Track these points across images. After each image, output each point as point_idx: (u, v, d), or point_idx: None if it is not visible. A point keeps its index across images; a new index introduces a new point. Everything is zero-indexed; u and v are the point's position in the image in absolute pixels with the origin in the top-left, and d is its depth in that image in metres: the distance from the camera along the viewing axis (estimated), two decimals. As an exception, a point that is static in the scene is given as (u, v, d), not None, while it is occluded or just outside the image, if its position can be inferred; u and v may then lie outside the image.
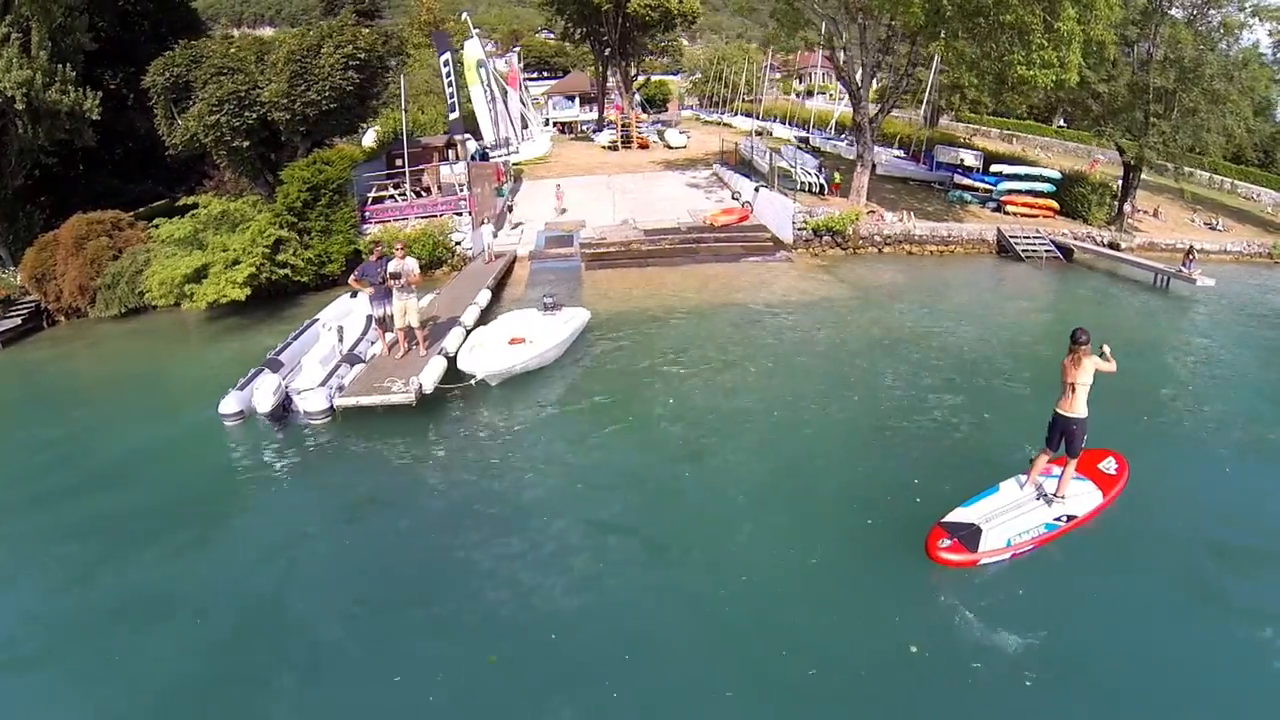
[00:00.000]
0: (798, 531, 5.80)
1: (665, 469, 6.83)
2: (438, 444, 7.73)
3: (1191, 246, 18.64)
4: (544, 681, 4.30)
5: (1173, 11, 21.87)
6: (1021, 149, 34.78)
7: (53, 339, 16.34)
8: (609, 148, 28.74)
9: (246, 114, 15.56)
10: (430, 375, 8.55)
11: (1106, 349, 5.77)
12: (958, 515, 5.92)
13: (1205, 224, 27.50)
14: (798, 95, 38.40)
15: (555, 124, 38.28)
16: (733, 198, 19.74)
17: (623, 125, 28.89)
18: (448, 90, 16.60)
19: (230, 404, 8.37)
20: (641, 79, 39.81)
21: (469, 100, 25.78)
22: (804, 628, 4.76)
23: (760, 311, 11.73)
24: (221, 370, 8.99)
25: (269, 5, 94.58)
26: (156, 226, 15.99)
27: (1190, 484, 6.83)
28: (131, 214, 18.03)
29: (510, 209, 17.87)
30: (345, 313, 11.53)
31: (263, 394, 8.45)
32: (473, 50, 25.78)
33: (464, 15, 27.02)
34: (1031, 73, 15.48)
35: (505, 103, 28.35)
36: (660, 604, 5.02)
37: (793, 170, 19.45)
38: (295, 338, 10.54)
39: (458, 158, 19.15)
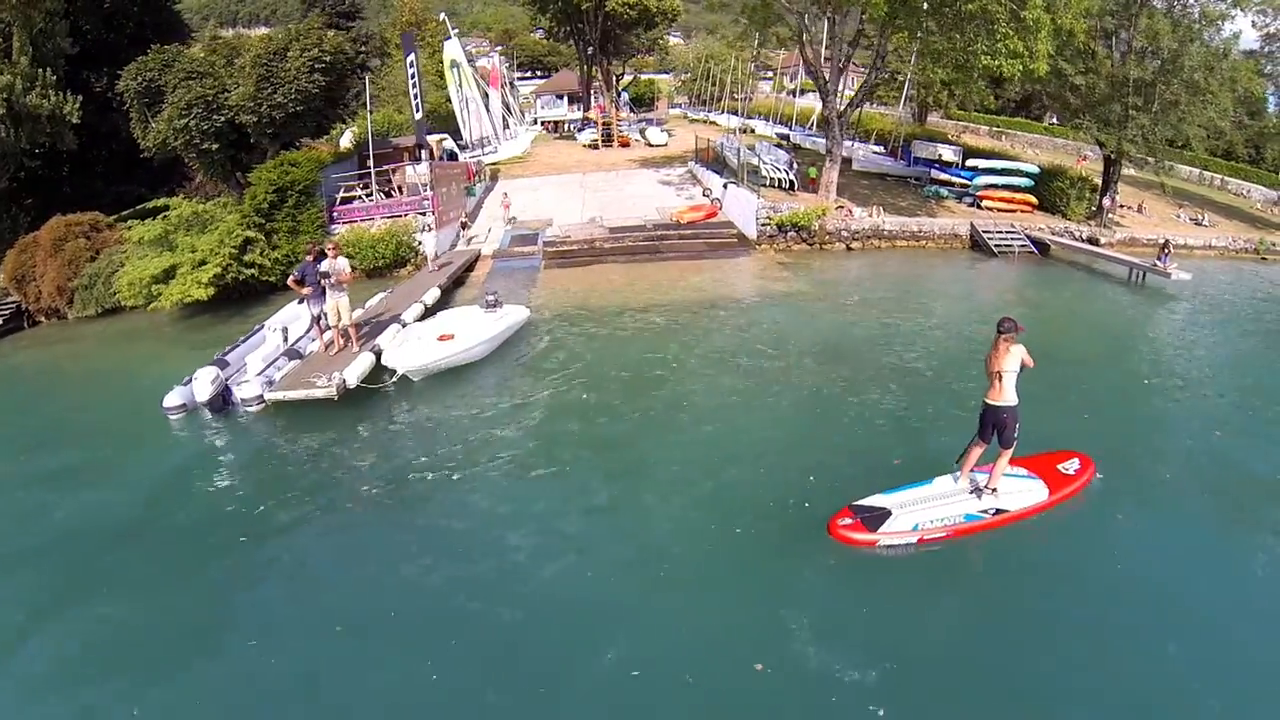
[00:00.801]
0: (713, 523, 5.85)
1: (577, 463, 6.98)
2: (354, 435, 7.99)
3: (1167, 240, 18.51)
4: (415, 653, 4.47)
5: (1153, 1, 21.66)
6: (1010, 145, 34.61)
7: (33, 338, 16.86)
8: (590, 146, 28.97)
9: (214, 117, 15.96)
10: (355, 371, 8.82)
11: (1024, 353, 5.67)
12: (875, 500, 5.90)
13: (1190, 219, 27.32)
14: (789, 93, 38.36)
15: (543, 123, 38.51)
16: (704, 195, 19.87)
17: (603, 124, 29.06)
18: (412, 91, 16.84)
19: (173, 398, 8.80)
20: (628, 78, 40.06)
21: (448, 100, 26.15)
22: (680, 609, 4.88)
23: (710, 307, 11.91)
24: (186, 368, 9.32)
25: (264, 5, 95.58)
26: (130, 228, 16.40)
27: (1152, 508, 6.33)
28: (115, 216, 18.49)
29: (464, 224, 17.80)
30: (294, 317, 11.85)
31: (201, 384, 8.84)
32: (452, 50, 26.10)
33: (442, 16, 27.31)
34: (997, 62, 15.41)
35: (486, 102, 28.67)
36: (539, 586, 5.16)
37: (761, 166, 19.50)
38: (245, 339, 10.90)
39: (433, 156, 19.46)
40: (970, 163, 22.19)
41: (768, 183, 19.36)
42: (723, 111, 36.94)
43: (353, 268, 10.07)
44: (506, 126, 32.95)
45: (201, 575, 5.58)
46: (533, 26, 35.33)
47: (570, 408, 8.26)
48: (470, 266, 15.81)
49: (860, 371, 9.00)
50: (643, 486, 6.50)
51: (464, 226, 14.86)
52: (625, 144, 29.28)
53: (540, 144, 31.34)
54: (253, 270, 15.78)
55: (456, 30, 26.76)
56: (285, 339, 10.70)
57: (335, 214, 17.23)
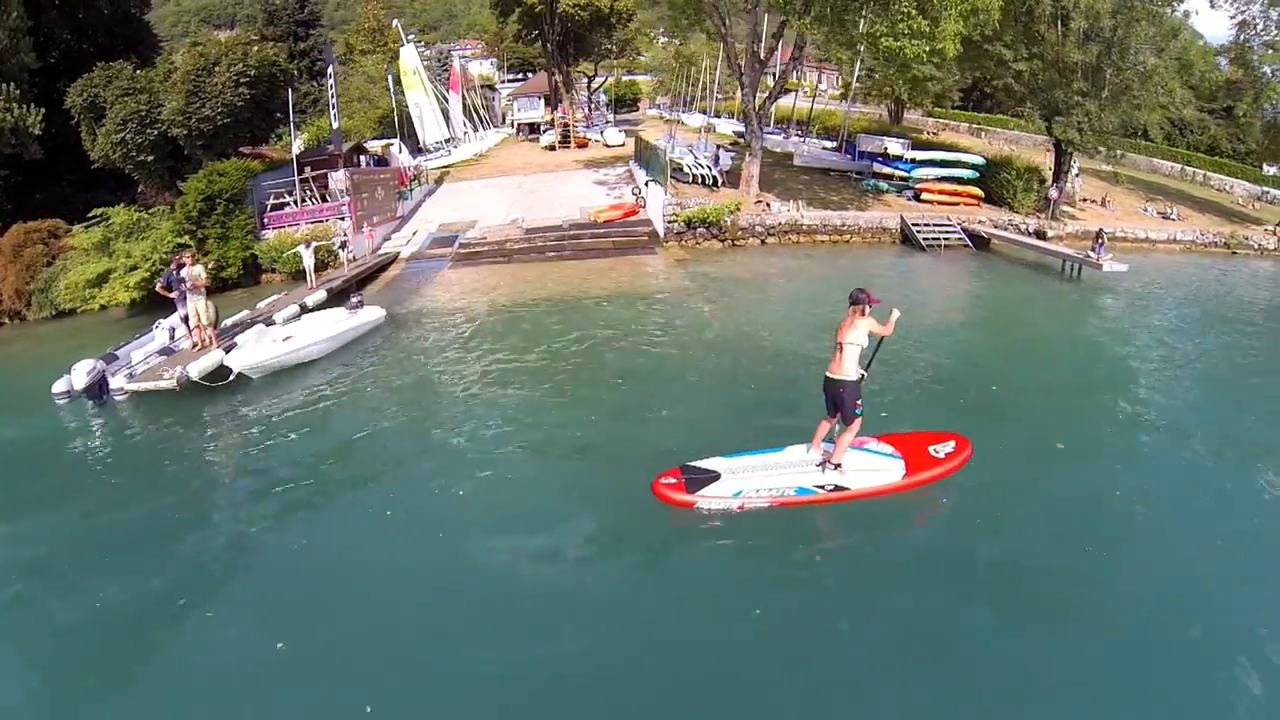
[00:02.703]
0: (531, 520, 6.00)
1: (410, 452, 7.44)
2: (194, 420, 8.91)
3: (1100, 230, 18.35)
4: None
5: None
6: (989, 142, 34.31)
7: (-8, 338, 18.25)
8: (549, 148, 29.76)
9: (148, 131, 17.21)
10: (198, 366, 9.73)
11: (896, 314, 5.66)
12: (709, 462, 5.85)
13: (1159, 213, 26.90)
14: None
15: (519, 125, 39.48)
16: (632, 193, 20.44)
17: (560, 125, 29.85)
18: (331, 103, 17.84)
19: (60, 385, 10.00)
20: (605, 79, 40.79)
21: (404, 105, 27.26)
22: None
23: (584, 304, 12.51)
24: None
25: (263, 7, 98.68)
26: (74, 235, 17.75)
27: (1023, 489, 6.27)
28: (82, 223, 19.88)
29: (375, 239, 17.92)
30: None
31: (78, 375, 9.90)
32: (408, 57, 27.22)
33: (396, 23, 28.45)
34: (899, 44, 15.36)
35: (446, 106, 29.75)
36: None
37: (683, 163, 19.96)
38: (139, 336, 11.94)
39: (381, 160, 20.51)
40: (909, 155, 22.18)
41: (690, 179, 19.82)
42: (693, 111, 37.39)
43: (206, 273, 10.98)
44: (478, 129, 34.08)
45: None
46: (501, 30, 36.15)
47: (394, 399, 8.96)
48: (383, 268, 16.69)
49: (721, 367, 9.37)
50: (432, 470, 6.95)
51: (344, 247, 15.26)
52: (583, 145, 30.03)
53: (504, 146, 32.30)
54: (183, 274, 16.90)
55: (413, 36, 27.88)
56: (172, 337, 11.68)
57: (266, 220, 18.32)
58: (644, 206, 19.24)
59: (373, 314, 11.46)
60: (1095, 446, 7.28)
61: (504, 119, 41.59)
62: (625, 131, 31.11)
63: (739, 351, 9.88)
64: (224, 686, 4.32)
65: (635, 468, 6.18)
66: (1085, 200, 27.06)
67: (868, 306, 5.55)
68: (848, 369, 5.53)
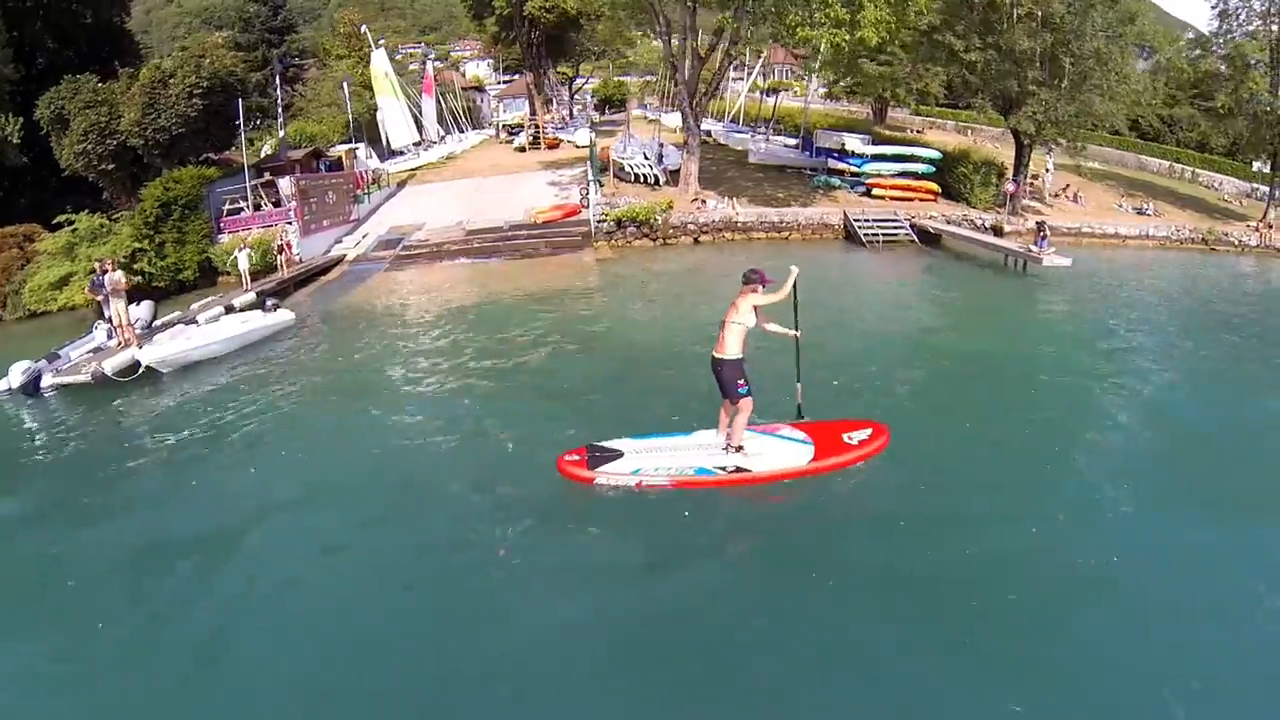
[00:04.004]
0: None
1: (303, 433, 8.33)
2: (109, 411, 9.89)
3: (1041, 223, 18.66)
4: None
5: None
6: (975, 141, 34.50)
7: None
8: (520, 149, 30.70)
9: (108, 141, 18.50)
10: (113, 362, 10.76)
11: (795, 270, 5.84)
12: (617, 442, 6.14)
13: (1135, 209, 26.88)
14: (760, 92, 39.31)
15: (505, 126, 40.58)
16: (580, 194, 21.26)
17: (532, 127, 30.79)
18: (279, 112, 19.00)
19: (1, 384, 10.96)
20: (583, 80, 41.74)
21: (371, 110, 28.47)
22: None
23: (499, 302, 13.38)
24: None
25: (300, 4, 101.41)
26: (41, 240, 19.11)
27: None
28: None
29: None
30: (132, 318, 13.97)
31: (14, 374, 11.03)
32: (379, 61, 28.43)
33: (364, 29, 29.69)
34: (815, 32, 15.69)
35: (419, 109, 30.92)
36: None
37: (625, 162, 20.70)
38: (80, 337, 13.11)
39: (333, 165, 21.65)
40: (859, 150, 22.65)
41: (633, 178, 20.55)
42: (674, 110, 38.07)
43: (126, 278, 12.10)
44: (453, 132, 35.24)
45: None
46: (481, 32, 37.33)
47: (294, 387, 9.96)
48: (325, 270, 17.75)
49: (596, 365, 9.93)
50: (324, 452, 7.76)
51: (281, 251, 16.08)
52: (554, 146, 30.90)
53: (480, 148, 33.35)
54: (139, 277, 18.17)
55: (383, 41, 29.12)
56: (109, 336, 12.81)
57: (222, 224, 19.53)
58: (586, 207, 20.05)
59: (282, 316, 12.47)
60: (998, 444, 7.30)
61: (493, 120, 42.79)
62: (599, 132, 31.95)
63: (629, 345, 10.60)
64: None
65: (538, 449, 6.66)
66: (1057, 195, 27.21)
67: (760, 286, 5.66)
68: (728, 347, 5.64)
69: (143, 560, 5.92)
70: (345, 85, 26.06)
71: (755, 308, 5.71)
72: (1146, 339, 12.23)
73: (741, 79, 35.96)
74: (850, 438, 6.30)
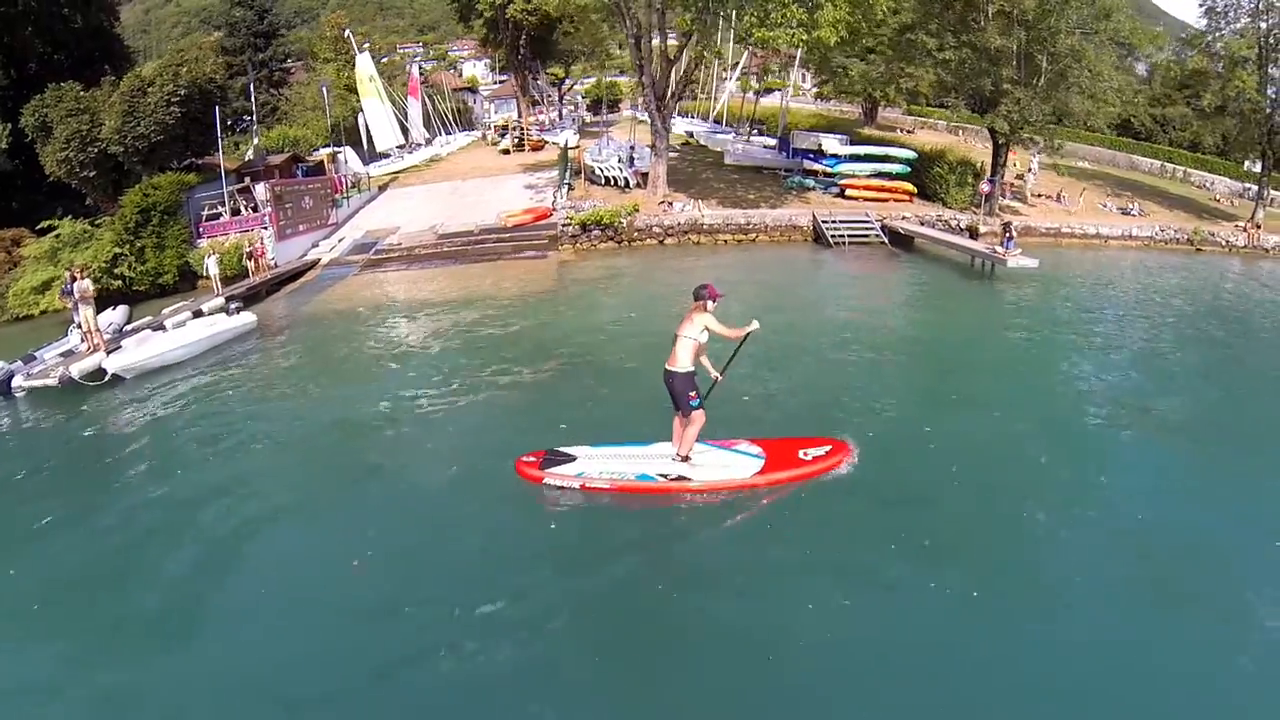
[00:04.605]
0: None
1: (261, 434, 8.88)
2: (75, 412, 10.52)
3: (1008, 224, 18.95)
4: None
5: None
6: (965, 140, 34.79)
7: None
8: (504, 151, 31.32)
9: (89, 149, 19.26)
10: (79, 367, 11.44)
11: (755, 325, 5.86)
12: (576, 449, 6.58)
13: (1119, 209, 27.03)
14: (755, 92, 39.74)
15: (496, 127, 41.25)
16: (553, 197, 21.81)
17: (514, 128, 31.41)
18: (253, 121, 19.71)
19: None
20: (571, 81, 42.32)
21: (354, 113, 29.19)
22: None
23: (446, 311, 13.83)
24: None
25: (300, 4, 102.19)
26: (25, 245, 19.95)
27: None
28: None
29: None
30: (106, 323, 14.72)
31: None
32: (364, 65, 29.15)
33: (346, 33, 30.45)
34: (773, 34, 15.99)
35: (405, 112, 31.62)
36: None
37: (593, 165, 21.21)
38: (56, 341, 13.84)
39: (310, 171, 22.35)
40: (832, 150, 23.03)
41: (603, 181, 21.06)
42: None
43: (94, 286, 12.81)
44: (440, 134, 35.95)
45: None
46: (466, 33, 37.98)
47: (254, 391, 10.60)
48: (298, 275, 18.42)
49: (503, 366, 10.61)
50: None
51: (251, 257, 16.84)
52: (538, 148, 31.48)
53: (467, 150, 34.03)
54: (119, 281, 18.96)
55: (367, 44, 29.86)
56: (82, 340, 13.53)
57: (201, 229, 20.27)
58: (556, 210, 20.61)
59: (244, 319, 13.11)
60: (955, 464, 7.18)
61: (486, 121, 43.52)
62: (587, 134, 32.56)
63: (573, 350, 11.06)
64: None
65: (485, 455, 7.22)
66: (1040, 196, 27.43)
67: (709, 302, 5.84)
68: (680, 360, 5.84)
69: (74, 568, 6.35)
70: (325, 90, 26.78)
71: (707, 328, 5.89)
72: (1106, 345, 12.30)
73: (727, 78, 36.28)
74: (806, 454, 6.41)
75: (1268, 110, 26.43)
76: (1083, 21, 21.06)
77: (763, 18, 15.94)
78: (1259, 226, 27.07)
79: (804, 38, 16.25)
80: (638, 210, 18.84)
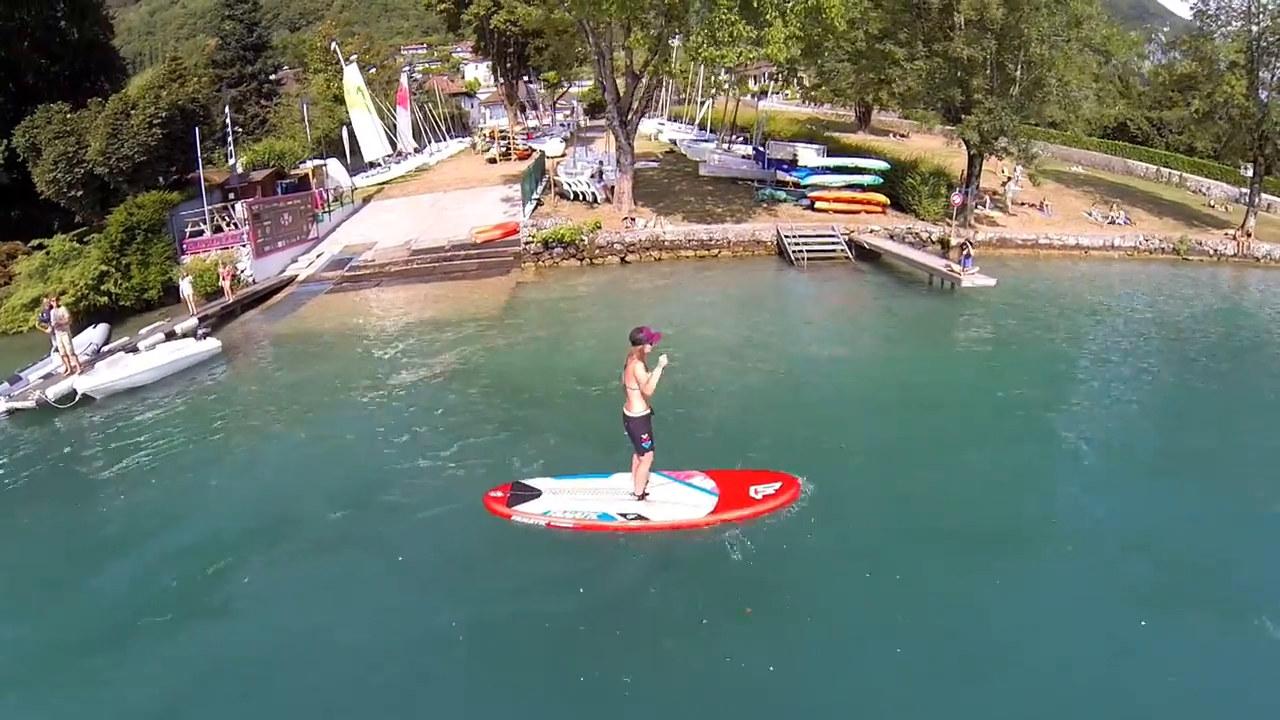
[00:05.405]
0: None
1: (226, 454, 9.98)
2: (51, 430, 11.66)
3: (965, 242, 19.43)
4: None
5: None
6: (958, 146, 34.92)
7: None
8: (491, 160, 32.29)
9: (76, 170, 20.51)
10: (54, 390, 12.55)
11: (664, 360, 6.21)
12: (540, 482, 6.88)
13: (1103, 217, 27.17)
14: (753, 95, 40.28)
15: (485, 135, 42.28)
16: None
17: (502, 137, 32.36)
18: (229, 145, 20.84)
19: None
20: (565, 87, 43.11)
21: (340, 124, 30.32)
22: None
23: (406, 335, 14.78)
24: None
25: (264, 11, 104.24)
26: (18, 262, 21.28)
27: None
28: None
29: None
30: (86, 342, 15.93)
31: None
32: (351, 76, 30.28)
33: (333, 45, 31.57)
34: (721, 53, 16.45)
35: (394, 122, 32.72)
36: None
37: (563, 181, 21.99)
38: (40, 361, 15.03)
39: (291, 187, 23.49)
40: (803, 161, 23.55)
41: (572, 197, 21.86)
42: (651, 117, 39.26)
43: (70, 313, 13.90)
44: (430, 141, 37.02)
45: None
46: (457, 42, 38.95)
47: (218, 413, 11.61)
48: (274, 292, 19.50)
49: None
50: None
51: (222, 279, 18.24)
52: (525, 156, 32.35)
53: (455, 158, 35.05)
54: (105, 298, 20.20)
55: (355, 57, 30.99)
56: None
57: (184, 246, 21.47)
58: (521, 227, 21.47)
59: (209, 344, 14.17)
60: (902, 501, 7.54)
61: (481, 126, 44.56)
62: (581, 140, 33.42)
63: (516, 377, 11.80)
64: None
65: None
66: (1023, 204, 27.67)
67: (648, 345, 6.14)
68: (634, 407, 6.25)
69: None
70: (304, 106, 27.90)
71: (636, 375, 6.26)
72: (1055, 375, 12.34)
73: (713, 85, 36.83)
74: (756, 491, 6.63)
75: (1258, 116, 26.52)
76: (1054, 29, 21.37)
77: (710, 37, 16.51)
78: (1249, 234, 27.15)
79: (753, 55, 16.82)
80: (599, 228, 19.59)
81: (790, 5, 16.71)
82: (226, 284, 17.89)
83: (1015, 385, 11.52)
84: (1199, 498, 8.06)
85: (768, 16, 16.38)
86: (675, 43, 18.92)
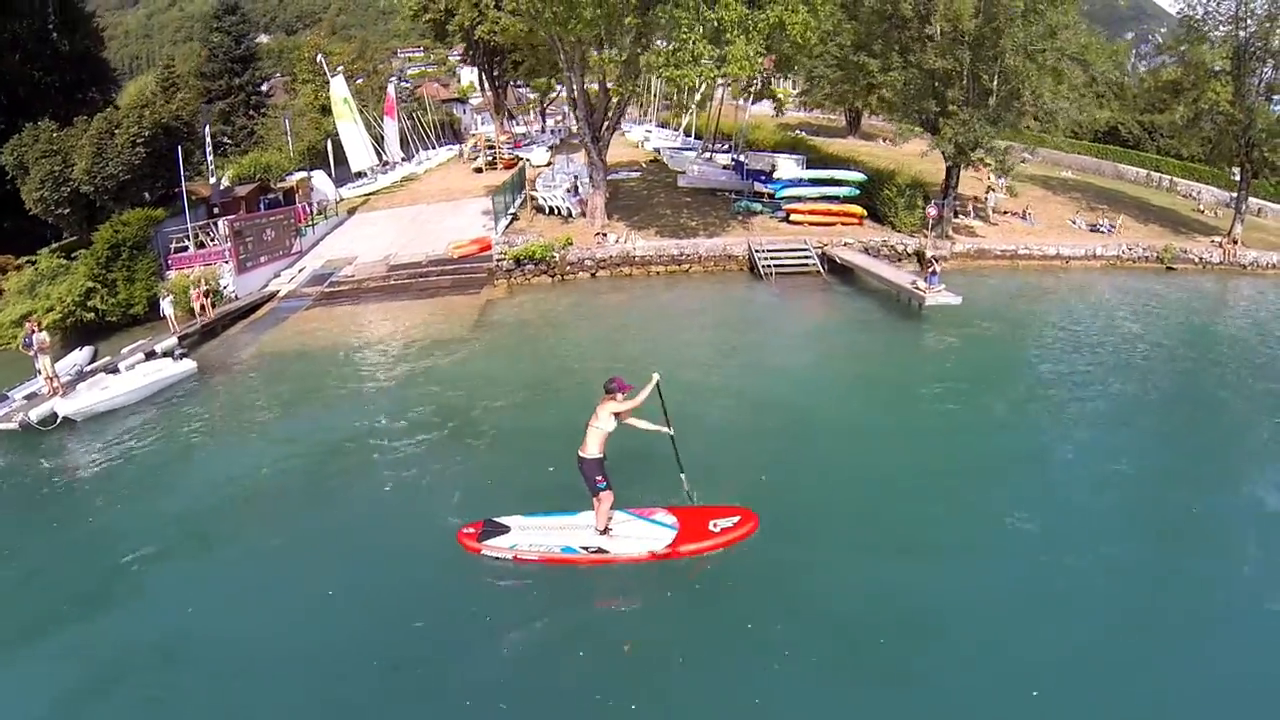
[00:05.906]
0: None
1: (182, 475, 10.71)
2: (31, 448, 12.35)
3: (932, 258, 19.72)
4: None
5: None
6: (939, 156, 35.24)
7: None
8: (478, 169, 32.90)
9: (62, 188, 21.31)
10: (36, 412, 13.28)
11: (655, 377, 6.61)
12: (510, 519, 7.35)
13: (1088, 225, 27.37)
14: (746, 99, 40.60)
15: (473, 143, 42.92)
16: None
17: (488, 147, 32.97)
18: (208, 159, 21.56)
19: None
20: (559, 90, 43.66)
21: (326, 136, 31.06)
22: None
23: (374, 356, 15.41)
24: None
25: (264, 12, 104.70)
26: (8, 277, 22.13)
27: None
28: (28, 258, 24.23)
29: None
30: (72, 364, 16.72)
31: None
32: (338, 88, 31.00)
33: (319, 58, 32.31)
34: (681, 72, 16.92)
35: (381, 132, 33.44)
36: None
37: (537, 195, 22.54)
38: (26, 381, 15.79)
39: (275, 201, 24.23)
40: (787, 172, 23.93)
41: (547, 211, 22.42)
42: (640, 122, 39.79)
43: (50, 338, 14.62)
44: (418, 151, 37.73)
45: None
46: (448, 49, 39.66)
47: (196, 434, 12.31)
48: (256, 307, 20.22)
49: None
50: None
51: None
52: (511, 166, 32.96)
53: (444, 167, 35.72)
54: (92, 314, 20.99)
55: (341, 68, 31.74)
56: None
57: (169, 262, 22.23)
58: (495, 243, 22.06)
59: (185, 365, 14.87)
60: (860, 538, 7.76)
61: (474, 133, 45.26)
62: (570, 149, 33.99)
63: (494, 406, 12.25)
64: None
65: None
66: (1005, 213, 27.96)
67: (619, 394, 6.60)
68: (589, 448, 6.66)
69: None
70: (287, 121, 28.64)
71: (616, 414, 6.68)
72: (1014, 402, 12.44)
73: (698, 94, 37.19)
74: (715, 525, 7.08)
75: (1245, 122, 26.68)
76: (1030, 40, 21.67)
77: (669, 57, 17.01)
78: (1235, 242, 27.35)
79: (713, 74, 17.30)
80: (571, 244, 20.14)
81: (753, 24, 17.16)
82: (197, 305, 18.52)
83: (950, 417, 11.51)
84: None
85: (729, 35, 16.84)
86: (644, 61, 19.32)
